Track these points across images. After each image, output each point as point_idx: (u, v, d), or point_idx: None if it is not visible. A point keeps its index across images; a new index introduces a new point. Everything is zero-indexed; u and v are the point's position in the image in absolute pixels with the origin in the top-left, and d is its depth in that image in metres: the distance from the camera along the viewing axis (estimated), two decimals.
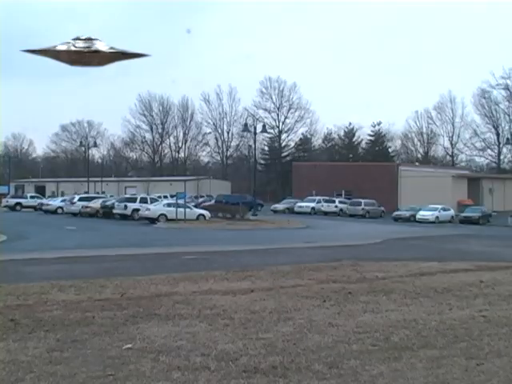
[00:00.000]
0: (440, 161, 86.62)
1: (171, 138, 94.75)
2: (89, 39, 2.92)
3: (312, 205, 53.33)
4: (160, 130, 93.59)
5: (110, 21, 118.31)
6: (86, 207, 42.50)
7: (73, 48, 2.86)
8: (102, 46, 2.91)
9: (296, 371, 4.92)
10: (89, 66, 3.04)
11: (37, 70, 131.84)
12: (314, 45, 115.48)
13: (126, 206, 38.72)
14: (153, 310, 7.74)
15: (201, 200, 55.35)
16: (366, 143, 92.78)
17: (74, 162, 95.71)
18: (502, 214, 49.11)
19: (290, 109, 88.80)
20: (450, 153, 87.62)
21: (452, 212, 48.41)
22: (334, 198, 56.23)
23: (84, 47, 2.87)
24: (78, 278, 10.92)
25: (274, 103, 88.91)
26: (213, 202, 51.75)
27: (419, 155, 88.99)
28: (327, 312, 7.65)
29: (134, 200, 40.59)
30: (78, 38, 2.92)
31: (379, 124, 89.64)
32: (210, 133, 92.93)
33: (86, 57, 2.90)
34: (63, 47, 2.87)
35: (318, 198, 55.41)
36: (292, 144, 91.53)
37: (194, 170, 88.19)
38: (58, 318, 7.13)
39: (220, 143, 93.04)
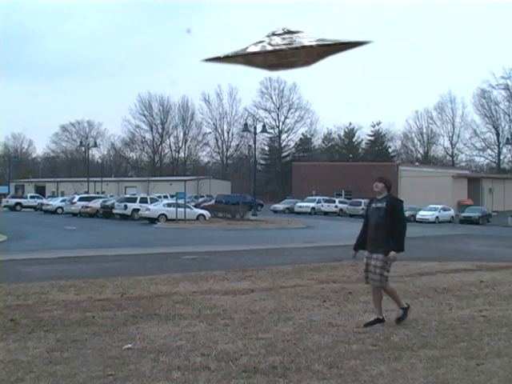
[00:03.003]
0: (440, 161, 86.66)
1: (171, 138, 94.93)
2: (288, 32, 2.23)
3: (312, 205, 53.35)
4: (160, 130, 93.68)
5: (110, 21, 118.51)
6: (86, 207, 42.53)
7: (269, 47, 2.18)
8: (306, 39, 2.20)
9: (296, 371, 4.92)
10: (292, 68, 2.34)
11: (37, 70, 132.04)
12: None
13: (126, 206, 38.74)
14: (153, 310, 7.74)
15: (201, 200, 55.35)
16: (366, 143, 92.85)
17: (74, 162, 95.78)
18: (502, 214, 49.14)
19: (289, 109, 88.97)
20: (450, 153, 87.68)
21: (452, 212, 48.41)
22: (334, 198, 56.27)
23: (284, 45, 2.18)
24: (78, 278, 10.93)
25: (274, 103, 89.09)
26: (213, 202, 51.76)
27: (419, 155, 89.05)
28: (327, 312, 7.65)
29: (134, 200, 40.61)
30: (273, 34, 2.24)
31: (379, 124, 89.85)
32: (210, 133, 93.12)
33: (288, 56, 2.22)
34: (256, 48, 2.19)
35: (318, 197, 55.45)
36: (292, 144, 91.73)
37: (194, 170, 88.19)
38: (57, 318, 7.13)
39: (220, 143, 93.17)
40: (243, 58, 2.21)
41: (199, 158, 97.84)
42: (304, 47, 2.17)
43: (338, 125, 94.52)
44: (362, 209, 51.69)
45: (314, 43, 2.18)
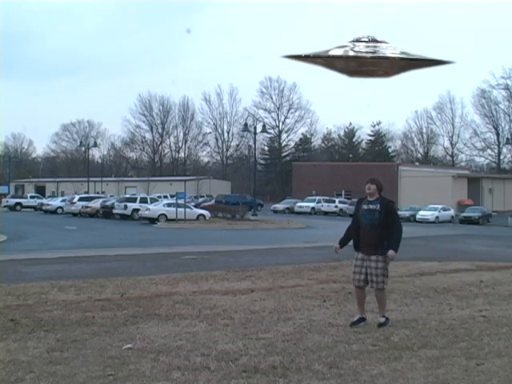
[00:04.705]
0: (440, 161, 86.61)
1: (171, 138, 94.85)
2: (373, 41, 2.24)
3: (312, 205, 53.34)
4: (160, 130, 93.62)
5: (110, 21, 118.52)
6: (86, 207, 42.52)
7: (351, 53, 2.19)
8: (389, 50, 2.21)
9: (296, 371, 4.92)
10: (370, 77, 2.33)
11: (37, 70, 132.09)
12: (313, 44, 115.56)
13: (126, 206, 38.74)
14: (153, 310, 7.74)
15: (201, 200, 55.34)
16: (366, 143, 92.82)
17: (74, 162, 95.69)
18: (502, 214, 49.13)
19: (289, 109, 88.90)
20: (450, 153, 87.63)
21: (452, 212, 48.38)
22: (334, 198, 56.25)
23: (367, 52, 2.19)
24: (78, 278, 10.93)
25: (274, 103, 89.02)
26: (213, 202, 51.75)
27: (419, 155, 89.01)
28: (327, 312, 7.65)
29: (134, 200, 40.61)
30: (358, 40, 2.25)
31: (379, 124, 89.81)
32: (210, 133, 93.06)
33: (369, 65, 2.23)
34: (338, 52, 2.20)
35: (318, 197, 55.44)
36: (292, 144, 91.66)
37: (194, 170, 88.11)
38: (57, 318, 7.13)
39: (220, 143, 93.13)
40: (324, 59, 2.23)
41: (199, 158, 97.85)
42: (386, 58, 2.19)
43: (338, 125, 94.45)
44: None
45: (396, 55, 2.20)
